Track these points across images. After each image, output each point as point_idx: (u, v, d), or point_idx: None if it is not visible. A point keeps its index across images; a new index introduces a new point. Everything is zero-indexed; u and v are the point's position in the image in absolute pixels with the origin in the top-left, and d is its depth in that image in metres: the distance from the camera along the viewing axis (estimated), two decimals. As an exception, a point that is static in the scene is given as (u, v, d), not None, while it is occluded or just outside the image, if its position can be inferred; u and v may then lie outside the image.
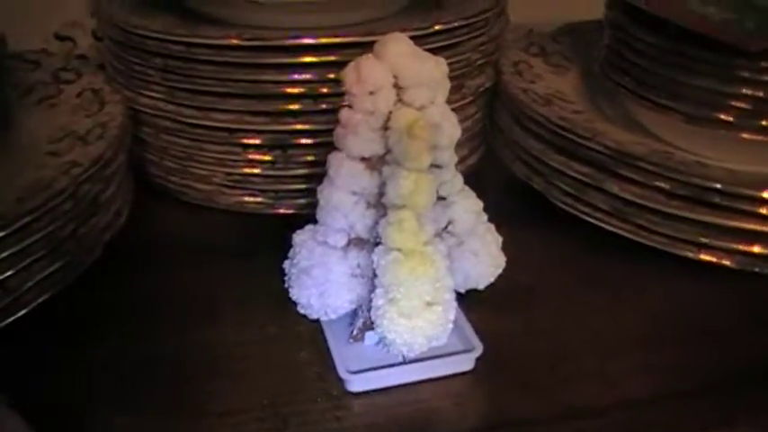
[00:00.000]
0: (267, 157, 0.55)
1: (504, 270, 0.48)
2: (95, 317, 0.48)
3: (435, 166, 0.41)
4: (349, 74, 0.39)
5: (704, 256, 0.50)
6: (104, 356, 0.45)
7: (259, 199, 0.57)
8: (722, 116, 0.53)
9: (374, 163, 0.41)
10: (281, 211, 0.57)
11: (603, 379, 0.43)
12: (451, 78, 0.55)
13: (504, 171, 0.62)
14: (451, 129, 0.41)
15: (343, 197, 0.41)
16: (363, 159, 0.41)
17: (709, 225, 0.49)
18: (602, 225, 0.53)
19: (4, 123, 0.54)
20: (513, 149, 0.59)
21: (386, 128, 0.39)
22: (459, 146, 0.59)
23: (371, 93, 0.39)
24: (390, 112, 0.39)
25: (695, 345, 0.46)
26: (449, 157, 0.42)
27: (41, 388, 0.42)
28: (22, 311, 0.43)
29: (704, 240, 0.50)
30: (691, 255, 0.51)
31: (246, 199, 0.57)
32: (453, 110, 0.54)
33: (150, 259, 0.54)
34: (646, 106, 0.57)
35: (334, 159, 0.41)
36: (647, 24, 0.55)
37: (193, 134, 0.55)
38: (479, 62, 0.59)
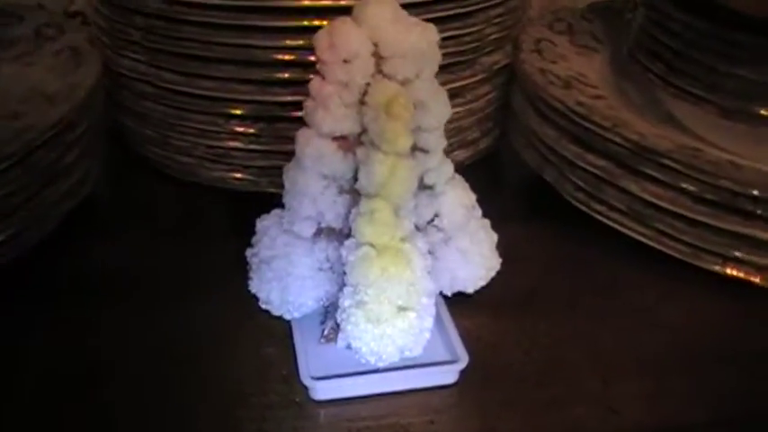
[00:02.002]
0: (251, 130, 0.51)
1: (504, 271, 0.44)
2: (51, 289, 0.45)
3: (420, 150, 0.36)
4: (321, 38, 0.34)
5: (730, 271, 0.46)
6: (52, 337, 0.42)
7: (242, 175, 0.53)
8: (763, 111, 0.48)
9: (349, 143, 0.36)
10: (267, 189, 0.53)
11: (603, 403, 0.39)
12: (463, 53, 0.52)
13: (519, 159, 0.57)
14: (439, 108, 0.36)
15: (311, 180, 0.36)
16: (335, 138, 0.36)
17: (738, 236, 0.44)
18: (617, 227, 0.48)
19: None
20: (525, 135, 0.54)
21: (362, 103, 0.35)
22: (468, 128, 0.56)
23: (346, 61, 0.34)
24: (368, 85, 0.35)
25: (713, 371, 0.42)
26: (436, 141, 0.37)
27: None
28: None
29: (732, 253, 0.45)
30: (715, 268, 0.46)
31: (229, 174, 0.53)
32: (462, 87, 0.51)
33: (119, 233, 0.51)
34: (677, 96, 0.51)
35: (302, 137, 0.36)
36: (686, 2, 0.49)
37: (175, 101, 0.52)
38: (494, 36, 0.54)
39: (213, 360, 0.40)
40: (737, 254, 0.45)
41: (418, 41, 0.34)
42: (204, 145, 0.52)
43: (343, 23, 0.34)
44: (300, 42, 0.48)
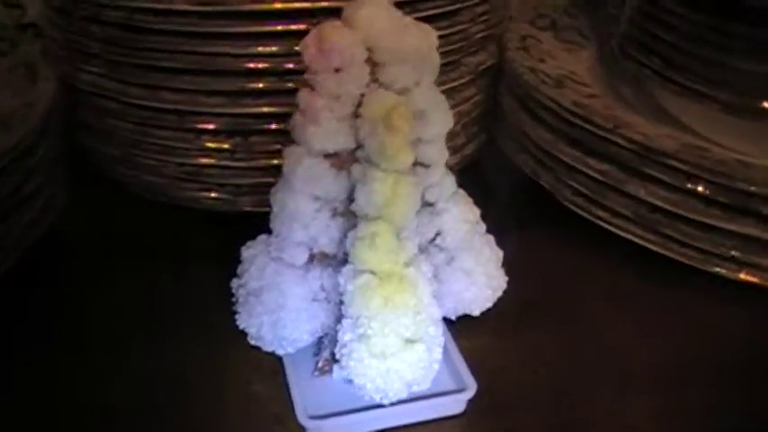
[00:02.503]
0: (225, 146, 0.47)
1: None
2: (9, 331, 0.41)
3: (420, 164, 0.33)
4: (309, 45, 0.31)
5: (745, 276, 0.43)
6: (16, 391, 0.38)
7: (217, 194, 0.49)
8: (767, 105, 0.46)
9: (342, 160, 0.33)
10: (244, 208, 0.49)
11: (619, 424, 0.37)
12: (447, 54, 0.49)
13: (508, 163, 0.55)
14: (441, 118, 0.33)
15: (303, 203, 0.33)
16: (328, 156, 0.33)
17: (752, 239, 0.42)
18: (622, 234, 0.46)
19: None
20: (517, 139, 0.51)
21: (356, 116, 0.32)
22: (454, 134, 0.52)
23: (338, 70, 0.31)
24: (362, 96, 0.32)
25: (733, 384, 0.39)
26: (437, 154, 0.34)
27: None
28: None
29: (746, 257, 0.43)
30: (729, 274, 0.44)
31: (202, 194, 0.50)
32: (449, 91, 0.47)
33: (86, 263, 0.47)
34: (675, 92, 0.50)
35: (290, 155, 0.33)
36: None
37: (140, 117, 0.48)
38: (480, 35, 0.51)
39: (196, 402, 0.37)
40: (751, 258, 0.43)
41: (417, 46, 0.31)
42: (174, 163, 0.49)
43: (333, 28, 0.30)
44: (274, 49, 0.44)
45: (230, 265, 0.40)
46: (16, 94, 0.46)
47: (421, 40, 0.31)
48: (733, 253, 0.43)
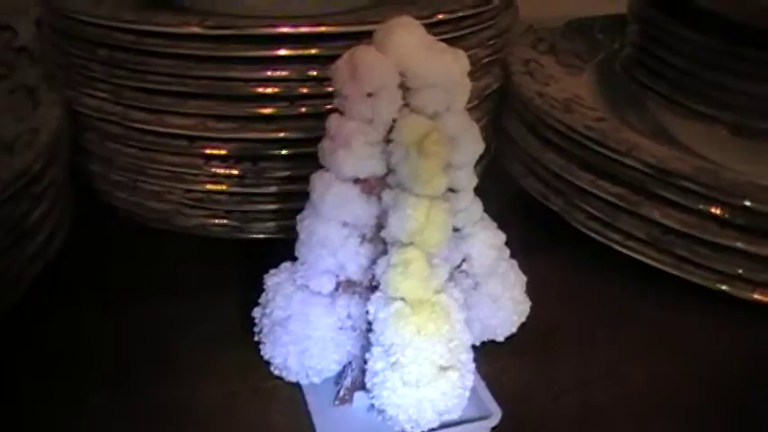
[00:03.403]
0: (234, 171, 0.46)
1: None
2: (12, 365, 0.39)
3: (450, 190, 0.33)
4: (341, 69, 0.30)
5: (759, 296, 0.43)
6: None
7: (225, 221, 0.48)
8: None
9: (371, 186, 0.32)
10: (253, 236, 0.48)
11: None
12: None
13: (509, 187, 0.55)
14: (472, 143, 0.33)
15: (331, 230, 0.32)
16: (358, 181, 0.32)
17: (766, 259, 0.42)
18: (636, 256, 0.46)
19: None
20: (525, 163, 0.51)
21: (388, 141, 0.31)
22: None
23: (370, 95, 0.30)
24: (394, 121, 0.31)
25: (747, 406, 0.39)
26: (467, 179, 0.33)
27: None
28: None
29: (760, 277, 0.43)
30: (743, 294, 0.43)
31: (210, 221, 0.48)
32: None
33: (90, 293, 0.45)
34: (682, 115, 0.50)
35: (319, 181, 0.32)
36: (687, 17, 0.47)
37: (145, 142, 0.47)
38: (486, 60, 0.50)
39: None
40: (766, 278, 0.42)
41: (450, 70, 0.31)
42: (181, 189, 0.48)
43: (366, 52, 0.30)
44: (285, 73, 0.44)
45: (240, 292, 0.39)
46: (19, 119, 0.45)
47: (453, 65, 0.31)
48: (747, 273, 0.43)
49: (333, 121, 0.31)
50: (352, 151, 0.31)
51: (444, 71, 0.31)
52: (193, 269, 0.48)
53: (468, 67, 0.32)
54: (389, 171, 0.32)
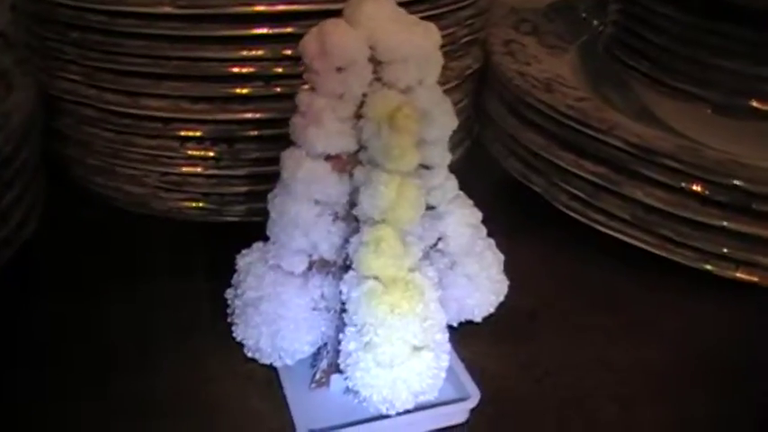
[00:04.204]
0: (210, 153, 0.46)
1: None
2: None
3: (423, 166, 0.32)
4: (310, 43, 0.30)
5: (741, 275, 0.43)
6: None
7: (201, 204, 0.48)
8: (757, 104, 0.46)
9: (343, 163, 0.32)
10: (229, 218, 0.48)
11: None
12: None
13: (492, 169, 0.54)
14: (445, 118, 0.32)
15: (303, 209, 0.32)
16: (329, 158, 0.32)
17: (748, 237, 0.42)
18: (620, 236, 0.45)
19: None
20: (506, 143, 0.51)
21: (359, 116, 0.31)
22: None
23: (340, 69, 0.30)
24: (365, 96, 0.31)
25: (731, 386, 0.39)
26: (440, 155, 0.33)
27: None
28: None
29: (742, 255, 0.42)
30: (726, 272, 0.43)
31: (186, 204, 0.48)
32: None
33: (66, 278, 0.45)
34: (664, 93, 0.50)
35: (290, 159, 0.32)
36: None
37: (120, 125, 0.47)
38: (466, 40, 0.50)
39: (190, 420, 0.36)
40: (749, 257, 0.42)
41: (421, 43, 0.30)
42: (157, 172, 0.48)
43: (335, 26, 0.29)
44: (260, 53, 0.43)
45: (218, 276, 0.39)
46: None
47: (424, 38, 0.30)
48: (730, 252, 0.43)
49: (303, 97, 0.31)
50: (323, 127, 0.30)
51: (416, 44, 0.30)
52: (170, 254, 0.47)
53: (439, 39, 0.31)
54: (361, 147, 0.31)
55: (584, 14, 0.63)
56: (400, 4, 0.42)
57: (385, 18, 0.30)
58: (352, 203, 0.32)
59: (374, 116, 0.30)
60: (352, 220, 0.32)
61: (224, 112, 0.45)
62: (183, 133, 0.46)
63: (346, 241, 0.32)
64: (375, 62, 0.30)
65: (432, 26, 0.31)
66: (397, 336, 0.30)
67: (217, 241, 0.45)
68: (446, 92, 0.48)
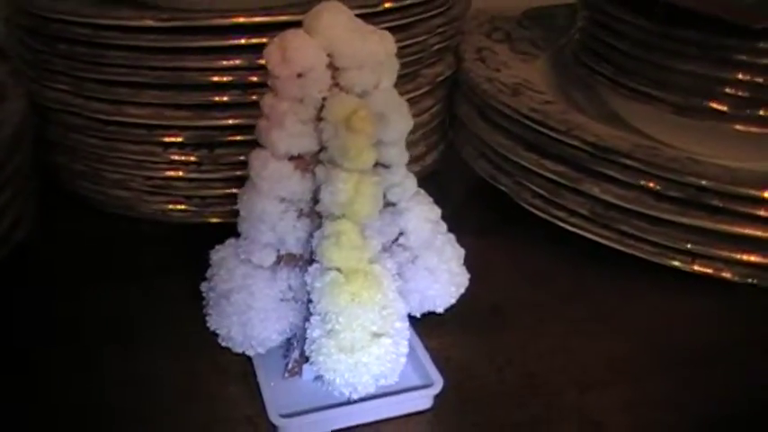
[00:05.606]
0: (192, 158, 0.48)
1: (467, 287, 0.42)
2: None
3: (382, 165, 0.34)
4: (272, 52, 0.32)
5: (698, 268, 0.45)
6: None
7: (184, 206, 0.50)
8: (715, 105, 0.47)
9: (306, 162, 0.34)
10: (211, 219, 0.50)
11: (585, 419, 0.37)
12: (405, 65, 0.50)
13: (467, 171, 0.56)
14: (400, 120, 0.34)
15: (269, 205, 0.34)
16: (292, 158, 0.34)
17: (704, 231, 0.44)
18: (580, 232, 0.47)
19: None
20: (475, 145, 0.52)
21: (319, 119, 0.33)
22: (413, 143, 0.54)
23: (300, 75, 0.32)
24: (324, 100, 0.33)
25: (695, 373, 0.40)
26: (398, 155, 0.35)
27: None
28: None
29: (699, 249, 0.44)
30: (683, 266, 0.45)
31: (170, 207, 0.50)
32: (407, 101, 0.48)
33: (54, 278, 0.47)
34: (626, 96, 0.51)
35: (256, 159, 0.34)
36: (629, 2, 0.48)
37: (106, 132, 0.49)
38: (437, 47, 0.52)
39: (167, 406, 0.37)
40: (704, 249, 0.44)
41: (375, 51, 0.32)
42: (141, 177, 0.49)
43: (295, 35, 0.31)
44: (238, 62, 0.45)
45: (199, 274, 0.40)
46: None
47: (379, 45, 0.32)
48: (686, 246, 0.44)
49: (267, 102, 0.33)
50: (285, 129, 0.32)
51: (370, 51, 0.32)
52: (154, 253, 0.49)
53: (393, 47, 0.33)
54: (322, 148, 0.33)
55: (564, 22, 0.65)
56: (372, 14, 0.45)
57: (342, 27, 0.32)
58: (315, 200, 0.34)
59: (332, 119, 0.32)
60: (315, 216, 0.34)
61: (204, 118, 0.47)
62: (165, 139, 0.48)
63: (311, 236, 0.34)
64: (333, 68, 0.32)
65: (386, 34, 0.33)
66: (358, 323, 0.32)
67: (199, 241, 0.48)
68: (418, 98, 0.52)
